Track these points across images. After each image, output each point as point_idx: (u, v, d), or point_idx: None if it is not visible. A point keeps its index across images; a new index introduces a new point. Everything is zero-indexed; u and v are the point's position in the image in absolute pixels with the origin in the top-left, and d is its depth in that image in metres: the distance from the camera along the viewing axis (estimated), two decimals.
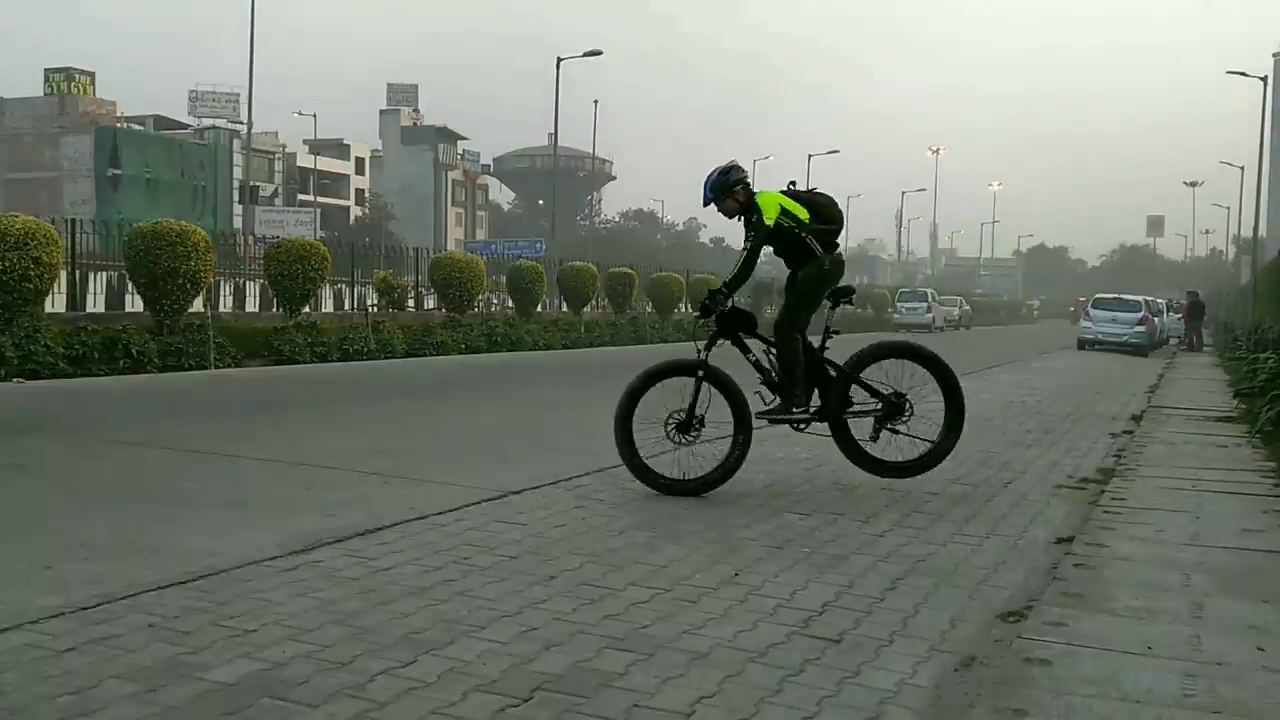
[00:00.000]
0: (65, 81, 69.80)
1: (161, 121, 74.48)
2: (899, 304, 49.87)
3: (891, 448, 6.38)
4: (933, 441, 6.37)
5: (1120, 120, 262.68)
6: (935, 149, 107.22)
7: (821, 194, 6.44)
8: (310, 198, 74.67)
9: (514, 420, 10.07)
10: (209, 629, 3.55)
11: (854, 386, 6.32)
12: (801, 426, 6.38)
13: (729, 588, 4.29)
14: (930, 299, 50.32)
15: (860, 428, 6.40)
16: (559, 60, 42.10)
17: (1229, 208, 64.58)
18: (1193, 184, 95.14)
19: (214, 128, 71.18)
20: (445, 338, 20.90)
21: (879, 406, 6.32)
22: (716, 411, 6.20)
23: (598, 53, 43.05)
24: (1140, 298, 32.60)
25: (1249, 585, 4.49)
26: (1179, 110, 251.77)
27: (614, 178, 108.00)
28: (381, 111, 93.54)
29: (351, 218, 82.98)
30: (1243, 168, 48.36)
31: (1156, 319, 32.54)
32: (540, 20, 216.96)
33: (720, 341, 6.33)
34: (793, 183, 6.42)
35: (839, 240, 6.48)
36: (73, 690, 3.00)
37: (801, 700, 3.12)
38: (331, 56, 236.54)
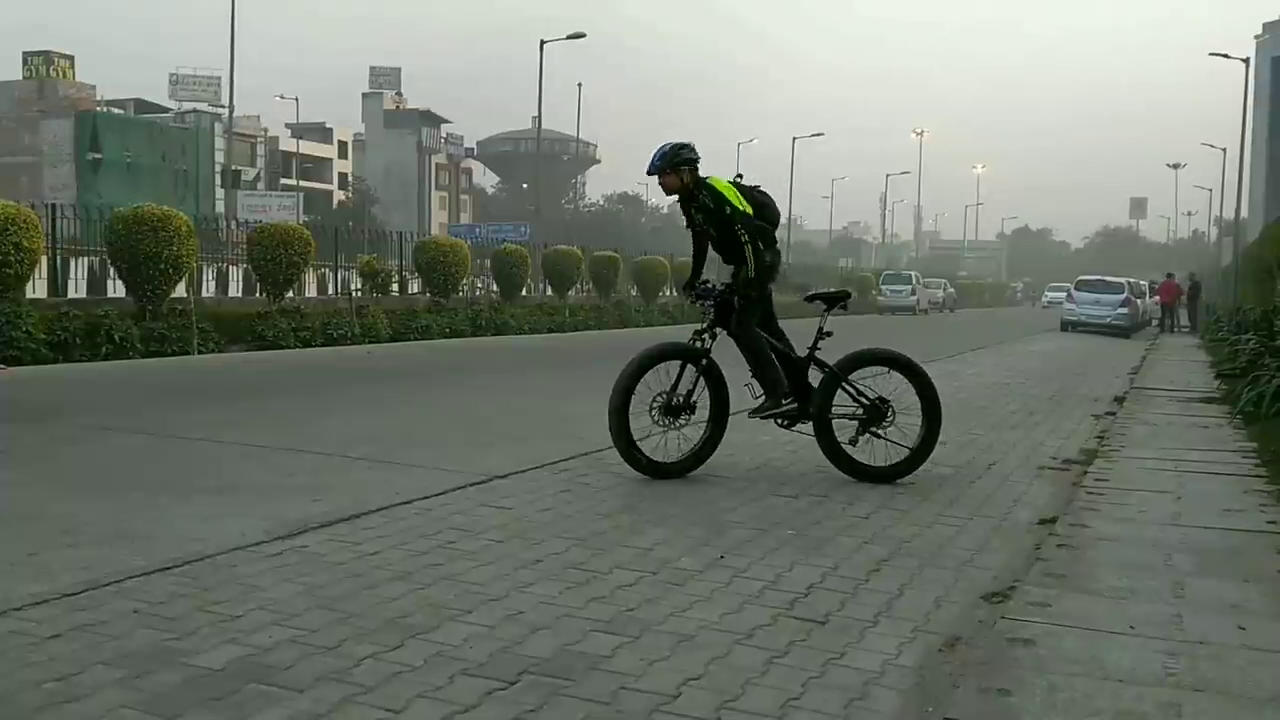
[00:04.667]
0: (44, 65, 69.16)
1: (142, 105, 73.87)
2: (883, 286, 49.92)
3: (868, 452, 6.35)
4: (910, 449, 6.31)
5: (1103, 102, 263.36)
6: (919, 131, 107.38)
7: (763, 192, 6.42)
8: (293, 182, 74.22)
9: (499, 404, 10.05)
10: (195, 615, 3.55)
11: (839, 390, 6.32)
12: (785, 423, 6.42)
13: (715, 570, 4.30)
14: (914, 282, 50.40)
15: (841, 429, 6.38)
16: (542, 42, 41.86)
17: (1211, 190, 64.77)
18: (1175, 166, 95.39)
19: (195, 111, 70.55)
20: (430, 322, 20.85)
21: (862, 410, 6.33)
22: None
23: (581, 35, 42.77)
24: (1123, 280, 32.77)
25: (1230, 565, 4.53)
26: (1162, 92, 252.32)
27: (598, 161, 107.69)
28: (364, 95, 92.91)
29: (334, 202, 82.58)
30: (1225, 150, 48.58)
31: (1139, 301, 32.77)
32: (525, 3, 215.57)
33: (718, 331, 6.34)
34: (739, 175, 6.42)
35: (776, 237, 6.47)
36: (58, 677, 2.99)
37: (787, 681, 3.14)
38: (313, 40, 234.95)
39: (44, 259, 15.38)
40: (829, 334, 6.38)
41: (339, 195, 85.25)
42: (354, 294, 20.99)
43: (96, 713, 2.79)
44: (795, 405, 6.33)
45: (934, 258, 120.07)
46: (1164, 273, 39.68)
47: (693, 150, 6.33)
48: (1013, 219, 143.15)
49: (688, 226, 6.53)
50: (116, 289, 16.95)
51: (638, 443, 6.10)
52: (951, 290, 60.47)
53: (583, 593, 3.94)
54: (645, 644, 3.41)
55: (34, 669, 3.05)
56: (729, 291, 6.34)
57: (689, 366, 6.23)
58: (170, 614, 3.55)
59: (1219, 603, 3.95)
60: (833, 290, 6.63)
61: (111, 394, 10.51)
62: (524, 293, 27.13)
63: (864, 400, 6.33)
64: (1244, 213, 42.06)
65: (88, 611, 3.55)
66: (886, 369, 6.45)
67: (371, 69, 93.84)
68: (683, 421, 6.24)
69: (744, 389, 6.41)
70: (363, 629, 3.46)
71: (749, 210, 6.22)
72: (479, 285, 27.03)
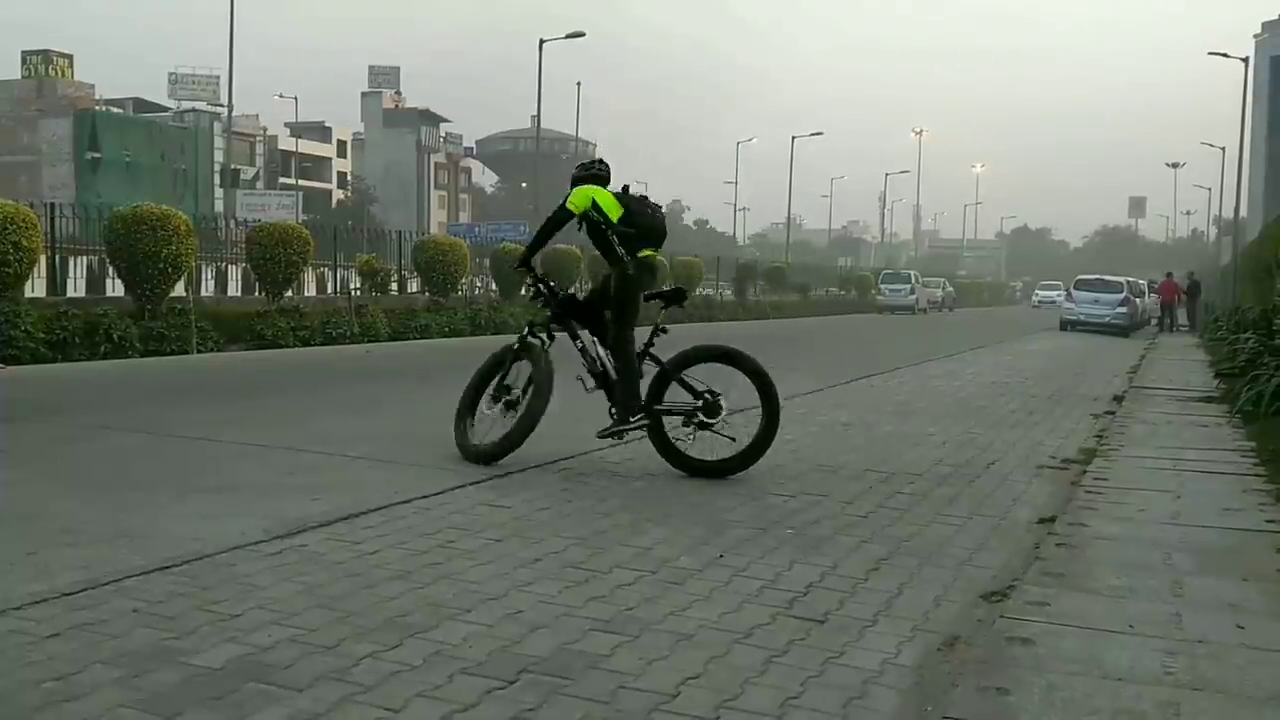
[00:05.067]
0: (43, 64, 69.16)
1: (141, 104, 73.89)
2: (882, 286, 49.85)
3: (703, 447, 6.29)
4: (747, 441, 6.24)
5: (1103, 102, 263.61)
6: (919, 131, 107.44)
7: (649, 203, 6.58)
8: (292, 181, 74.22)
9: None
10: (194, 614, 3.54)
11: (672, 385, 6.35)
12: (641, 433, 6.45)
13: (714, 569, 4.30)
14: (913, 281, 50.34)
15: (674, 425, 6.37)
16: (541, 42, 41.92)
17: (1210, 189, 64.79)
18: (1175, 165, 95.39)
19: (194, 110, 70.54)
20: (429, 321, 20.84)
21: (693, 406, 6.27)
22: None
23: (580, 34, 42.77)
24: (1122, 279, 32.80)
25: (1229, 564, 4.53)
26: (1162, 92, 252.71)
27: None
28: (363, 94, 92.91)
29: (334, 201, 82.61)
30: (1224, 149, 48.61)
31: (1138, 300, 32.81)
32: (524, 2, 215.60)
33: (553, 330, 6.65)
34: (626, 187, 6.59)
35: (653, 249, 6.52)
36: (57, 676, 2.99)
37: (786, 680, 3.14)
38: (313, 39, 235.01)
39: (43, 258, 15.37)
40: (664, 331, 6.42)
41: (338, 194, 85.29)
42: (353, 293, 20.96)
43: (95, 712, 2.79)
44: (647, 423, 6.34)
45: (933, 257, 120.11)
46: (1163, 272, 39.70)
47: (586, 168, 6.65)
48: (1012, 218, 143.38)
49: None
50: (115, 288, 16.93)
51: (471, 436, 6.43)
52: (950, 289, 60.45)
53: (582, 592, 3.94)
54: (644, 643, 3.41)
55: (33, 668, 3.05)
56: (574, 299, 6.78)
57: (514, 363, 6.58)
58: (169, 613, 3.55)
59: (1218, 602, 3.95)
60: (669, 289, 6.72)
61: (110, 393, 10.50)
62: (523, 292, 26.96)
63: (695, 395, 6.28)
64: (1243, 212, 42.11)
65: (87, 611, 3.55)
66: (722, 365, 6.41)
67: (371, 68, 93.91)
68: (511, 399, 6.50)
69: (576, 381, 6.43)
70: (362, 628, 3.46)
71: (612, 215, 6.35)
72: (478, 284, 27.00)
